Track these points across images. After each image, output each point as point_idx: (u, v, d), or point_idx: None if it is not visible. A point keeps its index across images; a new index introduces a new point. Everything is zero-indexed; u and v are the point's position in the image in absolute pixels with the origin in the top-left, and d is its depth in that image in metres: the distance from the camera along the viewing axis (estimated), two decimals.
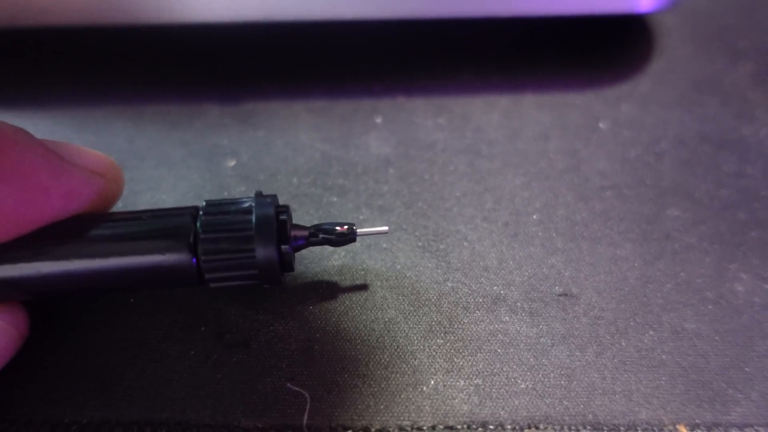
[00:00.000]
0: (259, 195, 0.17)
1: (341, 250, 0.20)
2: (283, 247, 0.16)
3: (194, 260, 0.16)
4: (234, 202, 0.16)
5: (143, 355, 0.17)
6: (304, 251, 0.19)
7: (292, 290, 0.19)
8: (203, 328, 0.18)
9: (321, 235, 0.17)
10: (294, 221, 0.19)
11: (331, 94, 0.24)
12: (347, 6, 0.23)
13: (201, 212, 0.16)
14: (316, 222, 0.20)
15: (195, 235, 0.16)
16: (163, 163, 0.22)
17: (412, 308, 0.18)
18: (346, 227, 0.17)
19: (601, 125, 0.23)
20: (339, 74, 0.25)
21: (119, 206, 0.20)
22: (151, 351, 0.17)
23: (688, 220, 0.21)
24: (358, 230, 0.17)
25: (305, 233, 0.17)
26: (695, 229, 0.20)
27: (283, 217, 0.16)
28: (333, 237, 0.17)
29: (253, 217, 0.16)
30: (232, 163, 0.22)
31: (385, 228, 0.18)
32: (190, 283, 0.16)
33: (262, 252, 0.16)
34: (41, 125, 0.23)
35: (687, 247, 0.20)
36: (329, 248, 0.20)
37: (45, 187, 0.15)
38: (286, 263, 0.16)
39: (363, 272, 0.19)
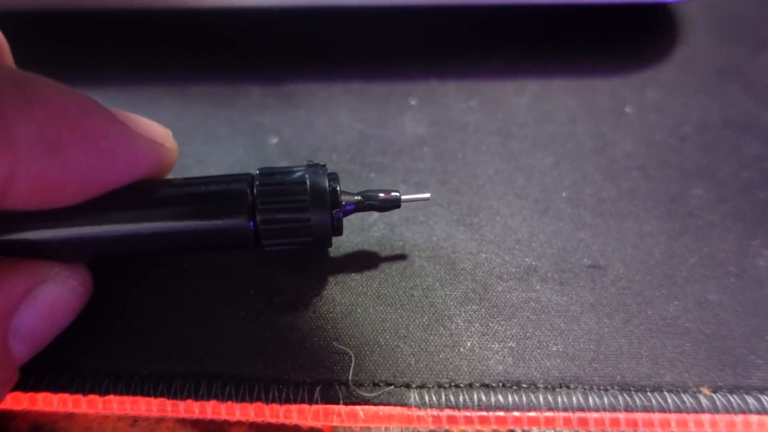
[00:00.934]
0: (310, 164, 0.17)
1: (380, 222, 0.21)
2: (334, 211, 0.17)
3: (251, 224, 0.17)
4: (288, 171, 0.17)
5: (198, 315, 0.18)
6: (346, 223, 0.20)
7: (335, 259, 0.20)
8: (253, 291, 0.19)
9: (368, 202, 0.18)
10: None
11: (368, 77, 0.25)
12: None
13: (257, 181, 0.17)
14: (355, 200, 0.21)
15: (252, 201, 0.17)
16: (210, 140, 0.23)
17: (448, 276, 0.19)
18: (392, 193, 0.18)
19: (627, 109, 0.24)
20: (375, 58, 0.26)
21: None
22: (205, 311, 0.18)
23: (711, 200, 0.21)
24: (402, 197, 0.18)
25: (354, 199, 0.18)
26: (718, 207, 0.21)
27: (333, 184, 0.17)
28: (377, 203, 0.18)
29: (308, 186, 0.17)
30: (275, 140, 0.23)
31: (428, 195, 0.19)
32: (247, 246, 0.17)
33: (317, 219, 0.17)
34: None
35: (710, 224, 0.21)
36: (369, 220, 0.21)
37: (113, 152, 0.16)
38: (336, 228, 0.17)
39: (401, 243, 0.20)
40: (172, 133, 0.23)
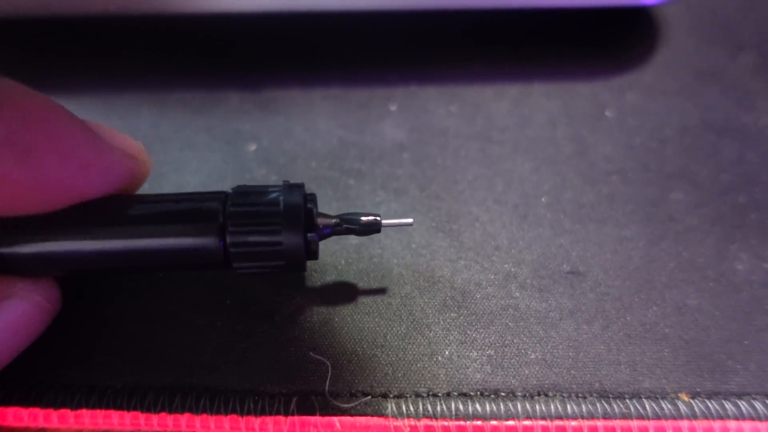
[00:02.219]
0: (286, 185, 0.17)
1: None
2: (309, 235, 0.16)
3: (222, 244, 0.16)
4: (262, 191, 0.17)
5: (173, 325, 0.18)
6: None
7: (312, 267, 0.20)
8: (229, 301, 0.19)
9: (345, 225, 0.17)
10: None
11: (347, 83, 0.25)
12: None
13: (229, 201, 0.17)
14: (335, 204, 0.21)
15: (224, 222, 0.16)
16: (187, 147, 0.23)
17: (427, 284, 0.19)
18: (371, 218, 0.18)
19: (607, 113, 0.24)
20: (354, 63, 0.25)
21: (146, 187, 0.21)
22: (181, 321, 0.18)
23: (691, 203, 0.21)
24: (383, 221, 0.18)
25: (331, 222, 0.17)
26: (697, 211, 0.21)
27: (309, 206, 0.17)
28: (358, 227, 0.18)
29: (282, 208, 0.16)
30: (253, 147, 0.23)
31: (410, 220, 0.18)
32: (217, 267, 0.17)
33: (290, 243, 0.16)
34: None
35: (689, 228, 0.21)
36: None
37: (85, 162, 0.15)
38: (311, 252, 0.17)
39: (380, 251, 0.20)
40: (150, 140, 0.22)
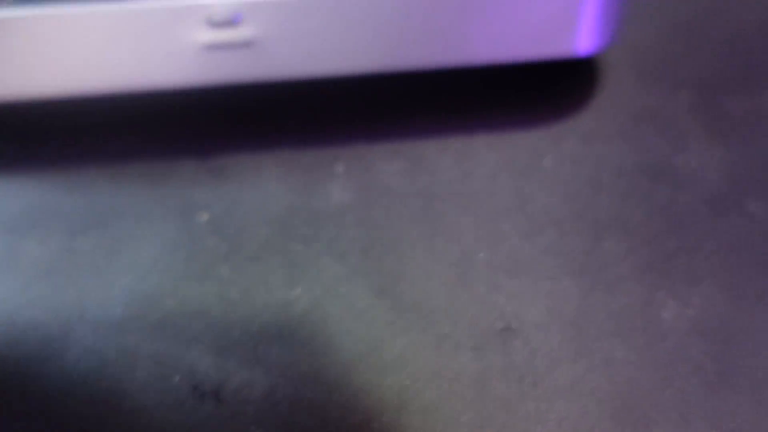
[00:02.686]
0: None
1: (304, 297, 0.22)
2: None
3: None
4: None
5: (122, 405, 0.19)
6: (266, 297, 0.21)
7: (258, 337, 0.21)
8: (177, 379, 0.20)
9: None
10: (260, 270, 0.21)
11: (297, 145, 0.26)
12: (308, 66, 0.25)
13: None
14: (281, 271, 0.22)
15: None
16: (143, 219, 0.24)
17: (367, 349, 0.20)
18: None
19: (545, 162, 0.25)
20: (303, 124, 0.27)
21: (101, 263, 0.22)
22: (130, 402, 0.19)
23: (622, 251, 0.22)
24: None
25: None
26: (628, 259, 0.22)
27: None
28: None
29: None
30: (205, 217, 0.24)
31: None
32: None
33: None
34: (29, 187, 0.25)
35: (620, 277, 0.22)
36: (292, 296, 0.21)
37: None
38: None
39: (323, 317, 0.21)
40: (108, 214, 0.24)
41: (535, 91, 0.27)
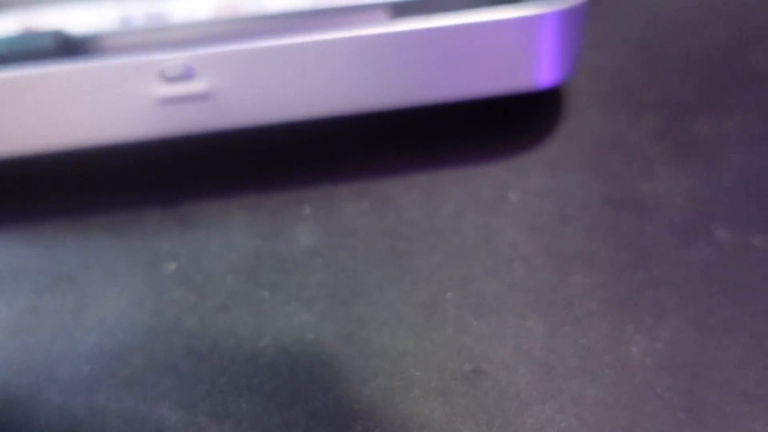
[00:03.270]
0: None
1: (272, 346, 0.22)
2: None
3: None
4: None
5: None
6: (233, 348, 0.21)
7: (226, 389, 0.21)
8: None
9: None
10: (228, 320, 0.22)
11: (262, 188, 0.26)
12: (267, 113, 0.25)
13: None
14: (250, 320, 0.22)
15: None
16: (110, 272, 0.24)
17: (334, 398, 0.20)
18: None
19: (511, 196, 0.25)
20: (268, 168, 0.27)
21: (69, 318, 0.22)
22: None
23: (589, 286, 0.22)
24: None
25: None
26: (595, 293, 0.22)
27: None
28: None
29: None
30: (172, 266, 0.24)
31: None
32: None
33: None
34: None
35: (587, 313, 0.22)
36: (260, 344, 0.21)
37: None
38: None
39: (291, 366, 0.21)
40: (75, 268, 0.24)
41: (500, 122, 0.27)
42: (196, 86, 0.23)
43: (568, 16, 0.24)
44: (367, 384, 0.21)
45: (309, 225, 0.25)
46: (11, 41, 0.24)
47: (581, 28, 0.26)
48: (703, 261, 0.23)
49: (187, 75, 0.23)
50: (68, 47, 0.24)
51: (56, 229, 0.26)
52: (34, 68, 0.23)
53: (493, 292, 0.22)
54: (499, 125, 0.27)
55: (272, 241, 0.24)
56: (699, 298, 0.22)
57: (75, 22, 0.26)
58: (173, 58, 0.22)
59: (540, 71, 0.25)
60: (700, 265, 0.23)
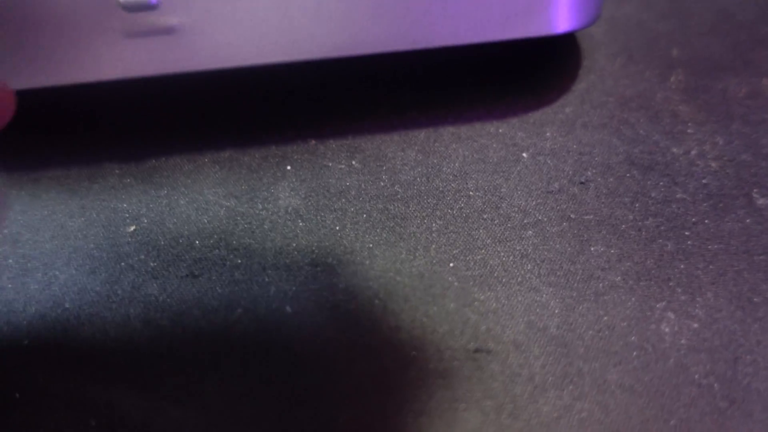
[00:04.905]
0: None
1: (245, 318, 0.19)
2: None
3: None
4: None
5: None
6: (201, 320, 0.19)
7: (191, 368, 0.18)
8: (94, 423, 0.17)
9: None
10: (195, 290, 0.19)
11: (239, 143, 0.24)
12: (251, 53, 0.22)
13: None
14: (219, 290, 0.20)
15: None
16: (59, 235, 0.21)
17: (317, 381, 0.18)
18: None
19: (524, 155, 0.23)
20: (247, 120, 0.24)
21: (8, 287, 0.20)
22: None
23: (613, 256, 0.20)
24: None
25: None
26: (620, 265, 0.20)
27: None
28: None
29: None
30: (131, 228, 0.21)
31: None
32: None
33: None
34: None
35: (611, 286, 0.19)
36: (233, 316, 0.19)
37: None
38: None
39: (267, 342, 0.19)
40: (19, 229, 0.21)
41: (510, 76, 0.25)
42: (160, 19, 0.21)
43: None
44: (355, 364, 0.18)
45: (290, 184, 0.22)
46: None
47: None
48: (743, 231, 0.21)
49: (148, 5, 0.20)
50: None
51: (0, 182, 0.23)
52: None
53: (502, 263, 0.20)
54: (508, 79, 0.25)
55: (248, 202, 0.22)
56: (739, 272, 0.20)
57: None
58: None
59: (556, 14, 0.23)
60: (740, 236, 0.20)
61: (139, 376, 0.18)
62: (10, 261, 0.21)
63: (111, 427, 0.17)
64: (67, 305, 0.20)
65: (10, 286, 0.20)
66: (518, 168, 0.22)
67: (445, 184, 0.22)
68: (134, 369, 0.19)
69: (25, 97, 0.22)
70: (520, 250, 0.20)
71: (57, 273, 0.20)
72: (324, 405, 0.18)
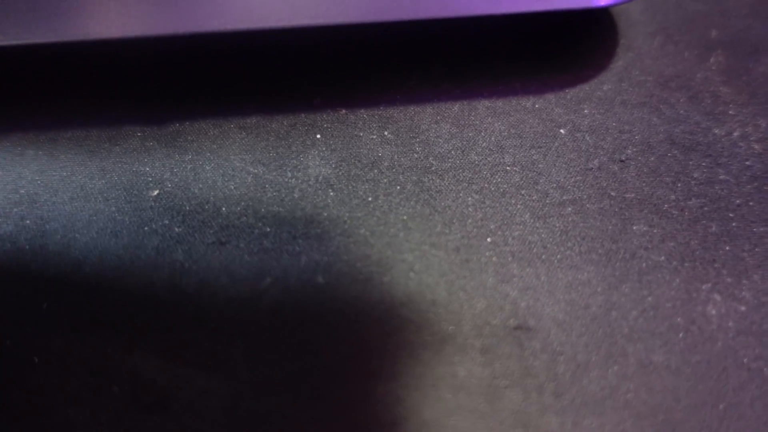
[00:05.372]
0: None
1: (274, 287, 0.18)
2: None
3: None
4: None
5: (46, 423, 0.16)
6: (228, 288, 0.18)
7: (215, 337, 0.17)
8: (116, 388, 0.17)
9: None
10: (222, 257, 0.18)
11: (266, 109, 0.23)
12: (280, 15, 0.21)
13: None
14: (246, 258, 0.19)
15: None
16: (78, 197, 0.21)
17: (351, 352, 0.17)
18: None
19: (562, 131, 0.22)
20: (274, 86, 0.23)
21: (26, 248, 0.19)
22: (56, 418, 0.16)
23: (656, 236, 0.19)
24: None
25: None
26: (664, 245, 0.19)
27: None
28: None
29: None
30: (154, 192, 0.21)
31: None
32: None
33: None
34: None
35: (655, 266, 0.19)
36: (262, 285, 0.18)
37: None
38: None
39: (298, 311, 0.18)
40: (36, 189, 0.20)
41: (545, 50, 0.24)
42: None
43: None
44: (390, 338, 0.18)
45: (320, 153, 0.22)
46: None
47: None
48: None
49: None
50: None
51: (16, 142, 0.22)
52: None
53: (541, 239, 0.19)
54: (543, 54, 0.24)
55: (276, 170, 0.21)
56: None
57: None
58: None
59: None
60: None
61: (163, 343, 0.18)
62: (28, 222, 0.20)
63: (134, 393, 0.16)
64: (87, 269, 0.19)
65: (27, 247, 0.19)
66: (556, 144, 0.22)
67: (481, 158, 0.21)
68: (158, 335, 0.18)
69: (43, 53, 0.21)
70: (559, 227, 0.20)
71: (77, 236, 0.20)
72: (357, 378, 0.17)
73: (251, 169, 0.21)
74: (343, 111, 0.23)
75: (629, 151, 0.22)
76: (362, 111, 0.23)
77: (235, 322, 0.18)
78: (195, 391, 0.17)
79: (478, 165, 0.21)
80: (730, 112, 0.23)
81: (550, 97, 0.23)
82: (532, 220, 0.20)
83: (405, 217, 0.20)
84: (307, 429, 0.16)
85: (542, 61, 0.24)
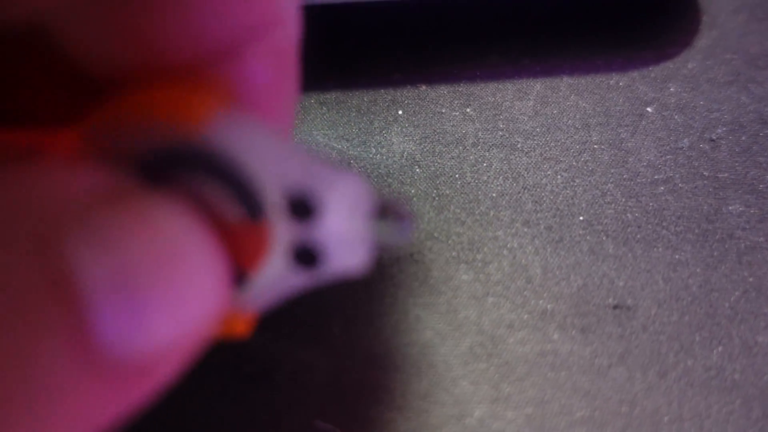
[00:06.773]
0: None
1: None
2: None
3: None
4: None
5: None
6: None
7: (315, 312, 0.18)
8: (217, 360, 0.17)
9: None
10: None
11: (346, 84, 0.23)
12: None
13: None
14: None
15: None
16: None
17: (449, 328, 0.17)
18: None
19: (649, 110, 0.22)
20: (354, 61, 0.23)
21: None
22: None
23: (754, 216, 0.19)
24: None
25: None
26: (762, 226, 0.19)
27: None
28: None
29: None
30: None
31: None
32: None
33: None
34: None
35: (754, 247, 0.19)
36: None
37: None
38: None
39: (393, 288, 0.18)
40: None
41: (627, 26, 0.24)
42: None
43: None
44: (486, 315, 0.18)
45: (403, 129, 0.22)
46: None
47: None
48: None
49: None
50: None
51: None
52: None
53: (635, 218, 0.19)
54: (625, 31, 0.24)
55: (360, 146, 0.21)
56: None
57: None
58: None
59: None
60: None
61: (265, 317, 0.18)
62: None
63: (236, 363, 0.17)
64: None
65: None
66: (643, 123, 0.22)
67: (567, 136, 0.21)
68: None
69: None
70: (653, 206, 0.20)
71: None
72: (455, 354, 0.17)
73: (335, 145, 0.21)
74: (423, 87, 0.23)
75: (720, 131, 0.21)
76: (442, 87, 0.23)
77: (333, 296, 0.18)
78: (297, 365, 0.17)
79: (565, 143, 0.21)
80: None
81: (634, 74, 0.23)
82: (624, 199, 0.20)
83: (494, 195, 0.20)
84: (411, 402, 0.16)
85: (623, 38, 0.24)
